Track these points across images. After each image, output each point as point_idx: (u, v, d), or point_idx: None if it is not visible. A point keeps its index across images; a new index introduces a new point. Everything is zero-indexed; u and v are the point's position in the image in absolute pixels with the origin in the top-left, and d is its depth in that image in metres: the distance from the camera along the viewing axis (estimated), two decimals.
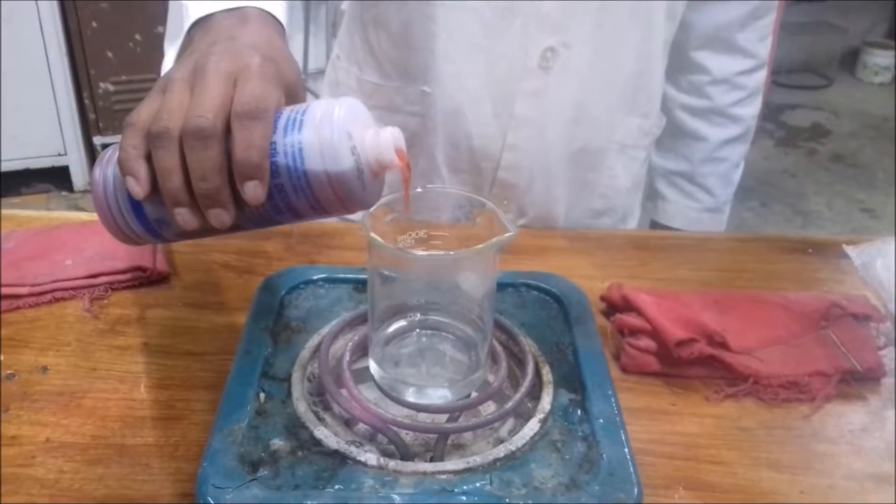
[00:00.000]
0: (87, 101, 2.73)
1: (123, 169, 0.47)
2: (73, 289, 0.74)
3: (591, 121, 0.87)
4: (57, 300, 0.73)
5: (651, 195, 1.04)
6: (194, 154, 0.45)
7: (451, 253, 0.52)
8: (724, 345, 0.66)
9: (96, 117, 2.77)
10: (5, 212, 0.86)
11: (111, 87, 2.74)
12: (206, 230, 0.48)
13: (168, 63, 0.65)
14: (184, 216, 0.46)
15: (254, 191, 0.45)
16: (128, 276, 0.75)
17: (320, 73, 3.21)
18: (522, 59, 0.82)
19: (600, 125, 0.88)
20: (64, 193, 2.84)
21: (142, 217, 0.50)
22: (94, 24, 2.62)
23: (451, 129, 0.87)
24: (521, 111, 0.84)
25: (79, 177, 2.83)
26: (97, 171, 0.50)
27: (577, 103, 0.85)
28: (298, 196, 0.46)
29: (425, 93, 0.86)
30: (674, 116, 0.98)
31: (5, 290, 0.72)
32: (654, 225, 1.04)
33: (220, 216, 0.46)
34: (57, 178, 2.81)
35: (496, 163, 0.88)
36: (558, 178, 0.90)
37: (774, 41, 3.50)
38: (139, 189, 0.46)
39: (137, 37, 2.69)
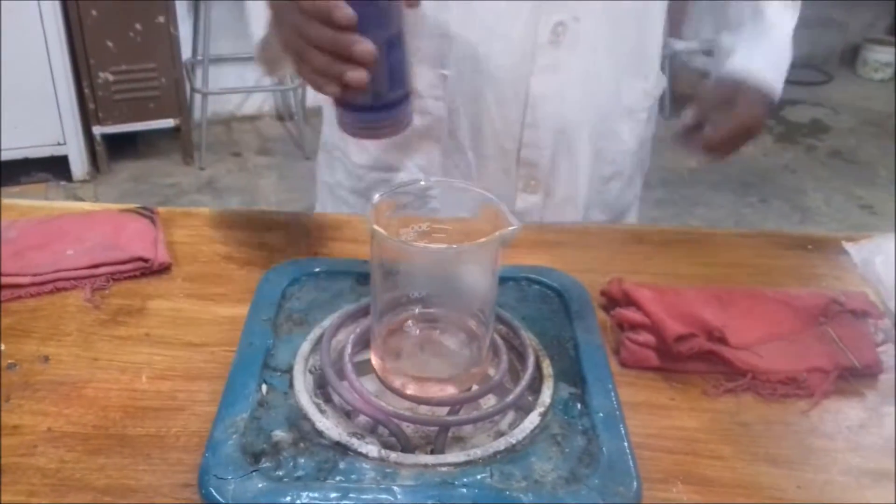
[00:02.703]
0: (86, 91, 2.73)
1: None
2: (74, 279, 0.74)
3: (603, 90, 0.90)
4: (58, 290, 0.73)
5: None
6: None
7: (455, 246, 0.52)
8: (723, 340, 0.67)
9: (96, 107, 2.76)
10: (6, 201, 0.86)
11: (111, 77, 2.73)
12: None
13: None
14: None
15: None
16: (129, 266, 0.75)
17: None
18: (534, 37, 0.83)
19: (610, 93, 0.90)
20: (63, 183, 2.83)
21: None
22: (94, 13, 2.61)
23: (473, 112, 0.88)
24: (536, 88, 0.86)
25: (77, 166, 2.82)
26: None
27: (588, 74, 0.87)
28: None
29: (444, 76, 0.87)
30: None
31: (7, 280, 0.72)
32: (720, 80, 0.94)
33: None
34: (56, 167, 2.81)
35: (518, 143, 0.89)
36: (578, 151, 0.91)
37: None
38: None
39: (137, 26, 2.68)
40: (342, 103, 0.62)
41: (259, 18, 0.74)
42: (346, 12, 0.56)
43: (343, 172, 0.98)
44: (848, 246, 0.85)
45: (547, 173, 0.91)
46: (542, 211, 0.94)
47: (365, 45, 0.57)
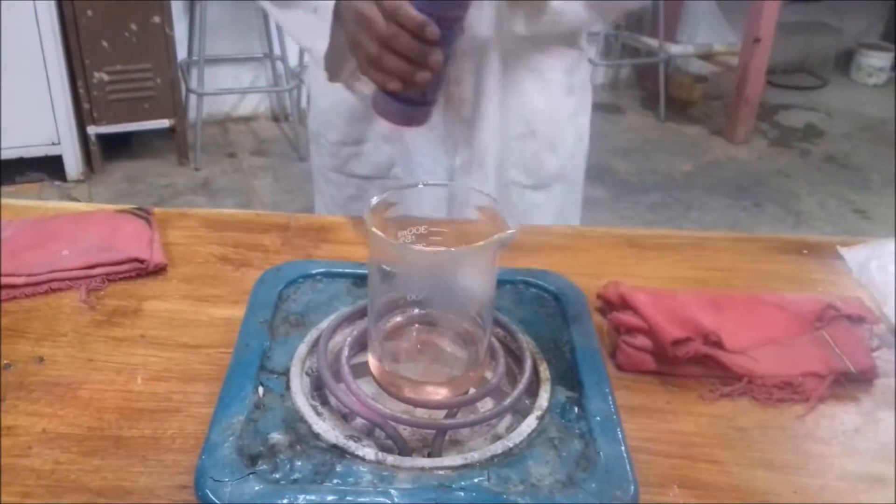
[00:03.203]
0: (81, 91, 2.72)
1: None
2: (69, 279, 0.73)
3: (511, 45, 0.92)
4: (53, 290, 0.73)
5: None
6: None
7: (453, 249, 0.52)
8: (719, 344, 0.67)
9: (90, 107, 2.76)
10: (2, 201, 0.86)
11: (106, 77, 2.72)
12: None
13: None
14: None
15: None
16: (125, 267, 0.75)
17: None
18: None
19: (516, 49, 0.93)
20: (57, 183, 2.82)
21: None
22: (90, 12, 2.61)
23: None
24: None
25: (72, 166, 2.82)
26: None
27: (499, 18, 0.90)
28: None
29: None
30: None
31: (2, 280, 0.71)
32: None
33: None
34: (50, 167, 2.80)
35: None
36: (489, 95, 0.94)
37: (770, 41, 3.51)
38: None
39: (133, 26, 2.68)
40: (393, 95, 0.76)
41: (322, 35, 0.81)
42: (435, 31, 0.71)
43: (324, 154, 1.04)
44: (843, 251, 0.85)
45: (465, 131, 0.95)
46: (472, 165, 0.96)
47: (438, 56, 0.73)
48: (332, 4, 0.80)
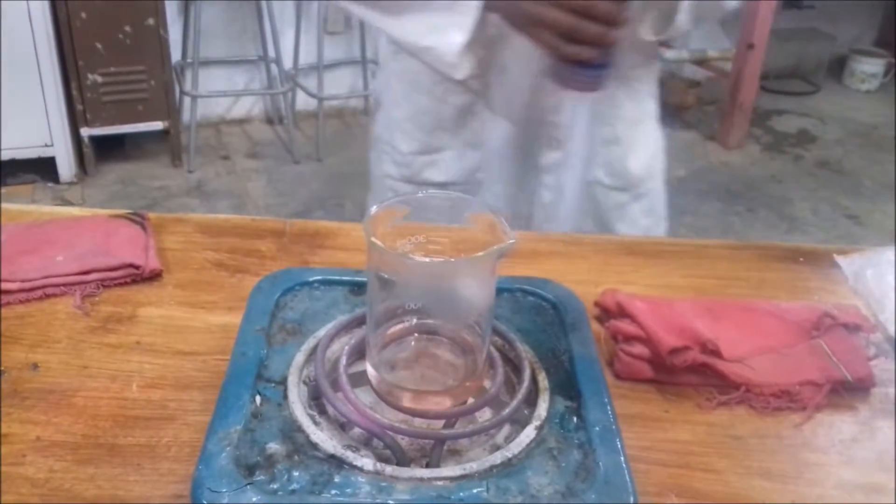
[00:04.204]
0: (74, 92, 2.71)
1: None
2: (64, 285, 0.73)
3: None
4: (48, 296, 0.72)
5: None
6: None
7: (452, 260, 0.51)
8: (716, 353, 0.67)
9: (84, 109, 2.74)
10: None
11: (100, 79, 2.71)
12: None
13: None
14: None
15: None
16: (120, 273, 0.75)
17: (312, 68, 3.20)
18: None
19: None
20: (50, 185, 2.81)
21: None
22: (84, 14, 2.59)
23: (505, 85, 0.96)
24: None
25: (65, 168, 2.80)
26: None
27: None
28: None
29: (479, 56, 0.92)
30: None
31: None
32: None
33: None
34: (43, 169, 2.79)
35: (542, 108, 0.97)
36: (583, 110, 0.98)
37: (763, 47, 3.51)
38: None
39: (127, 28, 2.67)
40: (575, 62, 0.79)
41: (459, 30, 0.84)
42: None
43: (390, 163, 1.05)
44: (839, 259, 0.85)
45: (564, 132, 0.98)
46: (560, 166, 1.01)
47: (626, 14, 0.77)
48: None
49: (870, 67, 4.15)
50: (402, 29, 0.91)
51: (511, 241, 0.50)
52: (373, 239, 0.51)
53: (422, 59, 0.91)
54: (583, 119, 0.99)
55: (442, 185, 1.02)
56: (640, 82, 1.02)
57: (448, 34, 0.85)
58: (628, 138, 1.03)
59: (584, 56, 0.78)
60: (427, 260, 0.53)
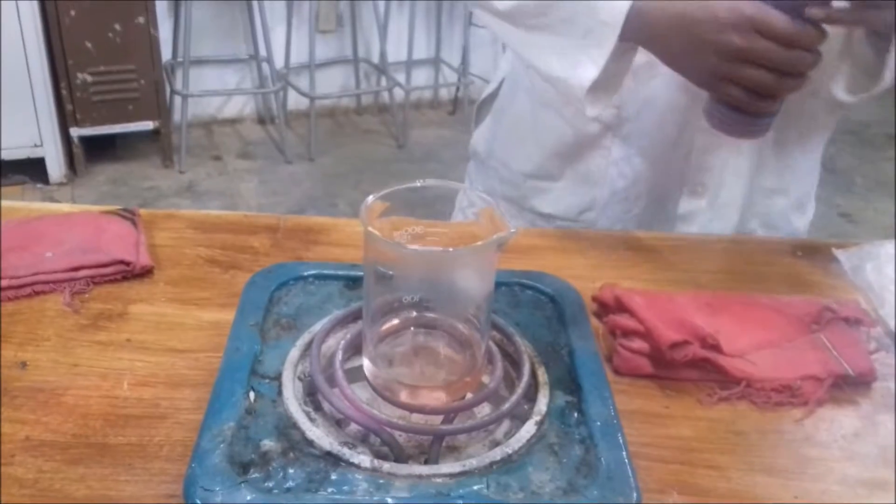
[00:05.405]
0: (64, 92, 2.69)
1: None
2: (53, 282, 0.71)
3: None
4: (37, 293, 0.71)
5: None
6: None
7: (451, 249, 0.50)
8: (716, 347, 0.66)
9: (73, 108, 2.72)
10: None
11: (89, 78, 2.69)
12: None
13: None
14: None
15: None
16: (110, 269, 0.73)
17: (303, 67, 3.19)
18: None
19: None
20: (39, 185, 2.79)
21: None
22: (73, 13, 2.58)
23: (647, 117, 0.88)
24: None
25: (55, 168, 2.78)
26: None
27: None
28: None
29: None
30: None
31: None
32: None
33: None
34: (32, 169, 2.77)
35: (690, 146, 0.88)
36: (744, 156, 0.90)
37: None
38: None
39: (117, 27, 2.65)
40: (742, 110, 0.71)
41: (591, 62, 0.74)
42: (812, 35, 0.67)
43: (497, 180, 0.98)
44: (838, 253, 0.84)
45: (715, 177, 0.90)
46: (703, 215, 0.92)
47: (808, 60, 0.68)
48: (614, 29, 0.72)
49: None
50: (533, 51, 0.82)
51: (512, 231, 0.49)
52: (370, 228, 0.50)
53: (554, 87, 0.82)
54: (744, 164, 0.90)
55: (545, 217, 0.96)
56: (817, 133, 0.94)
57: (580, 66, 0.75)
58: (795, 192, 0.95)
59: (767, 110, 0.72)
60: (425, 249, 0.52)
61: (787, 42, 0.66)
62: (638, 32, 0.73)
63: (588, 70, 0.74)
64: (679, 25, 0.70)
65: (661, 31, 0.72)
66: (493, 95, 1.03)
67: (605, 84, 0.77)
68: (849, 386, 0.66)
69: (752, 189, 0.93)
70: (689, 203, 0.92)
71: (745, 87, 0.69)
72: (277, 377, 0.57)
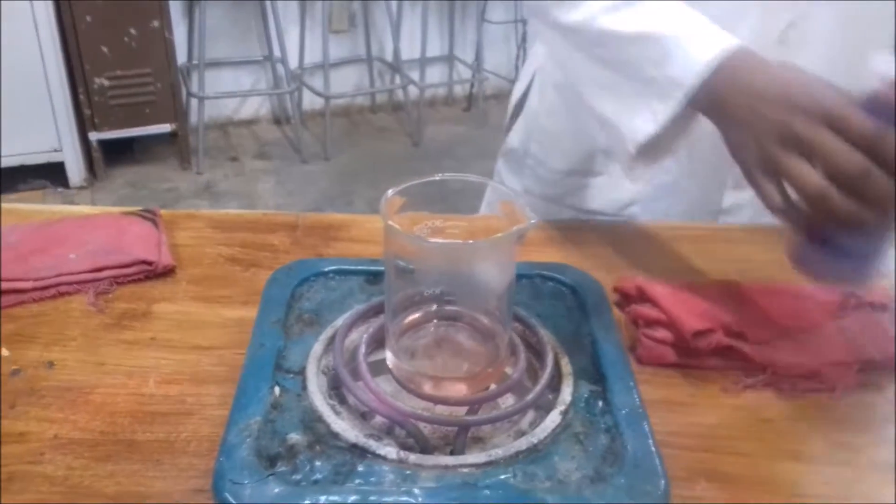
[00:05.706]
0: (81, 97, 2.71)
1: None
2: (77, 283, 0.72)
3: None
4: (61, 294, 0.71)
5: None
6: None
7: (472, 241, 0.50)
8: (740, 335, 0.65)
9: (91, 113, 2.75)
10: (6, 206, 0.85)
11: (106, 82, 2.71)
12: None
13: None
14: None
15: None
16: (133, 269, 0.74)
17: (317, 67, 3.20)
18: (763, 36, 0.77)
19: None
20: (60, 190, 2.82)
21: None
22: (89, 18, 2.60)
23: None
24: None
25: (74, 173, 2.81)
26: None
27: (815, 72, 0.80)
28: None
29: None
30: None
31: (9, 285, 0.70)
32: None
33: None
34: (52, 174, 2.79)
35: None
36: None
37: None
38: None
39: (132, 31, 2.67)
40: (826, 243, 0.59)
41: (649, 117, 0.67)
42: None
43: (532, 178, 0.97)
44: None
45: None
46: (749, 208, 0.88)
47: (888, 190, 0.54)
48: (688, 84, 0.64)
49: None
50: (588, 81, 0.74)
51: (532, 222, 0.49)
52: (390, 222, 0.50)
53: (601, 128, 0.75)
54: None
55: (589, 213, 0.93)
56: None
57: (637, 116, 0.68)
58: None
59: (836, 238, 0.58)
60: (446, 242, 0.52)
61: (860, 143, 0.54)
62: (704, 96, 0.65)
63: (647, 123, 0.67)
64: (747, 94, 0.62)
65: (726, 97, 0.64)
66: (525, 94, 1.02)
67: (657, 144, 0.69)
68: (876, 371, 0.65)
69: None
70: (732, 196, 0.90)
71: (798, 191, 0.58)
72: (301, 372, 0.58)
